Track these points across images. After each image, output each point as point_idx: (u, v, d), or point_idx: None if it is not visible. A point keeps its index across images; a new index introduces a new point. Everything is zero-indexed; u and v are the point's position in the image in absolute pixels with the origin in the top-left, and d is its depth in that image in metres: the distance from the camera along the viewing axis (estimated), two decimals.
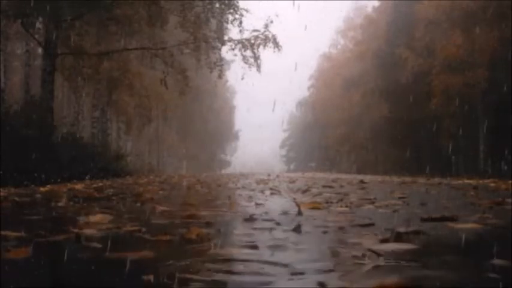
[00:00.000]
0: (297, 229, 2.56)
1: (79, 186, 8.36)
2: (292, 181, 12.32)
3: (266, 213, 3.59)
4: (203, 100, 42.49)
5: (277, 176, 18.24)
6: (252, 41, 18.73)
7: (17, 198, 4.97)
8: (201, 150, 50.99)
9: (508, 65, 20.80)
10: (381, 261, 1.73)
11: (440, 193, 6.76)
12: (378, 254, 1.82)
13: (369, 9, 43.10)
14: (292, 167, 77.01)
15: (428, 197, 5.69)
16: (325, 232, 2.54)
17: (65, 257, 1.90)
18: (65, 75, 18.14)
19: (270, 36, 18.75)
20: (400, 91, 30.31)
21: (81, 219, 2.96)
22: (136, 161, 31.23)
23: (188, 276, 1.48)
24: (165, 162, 42.75)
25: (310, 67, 63.04)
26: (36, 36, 16.09)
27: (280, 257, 1.82)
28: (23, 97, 19.72)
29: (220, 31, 19.56)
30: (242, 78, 20.47)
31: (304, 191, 6.99)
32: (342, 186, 8.63)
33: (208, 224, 2.84)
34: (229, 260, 1.75)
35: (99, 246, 2.04)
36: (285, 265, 1.64)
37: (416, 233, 2.36)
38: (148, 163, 35.04)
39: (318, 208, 3.97)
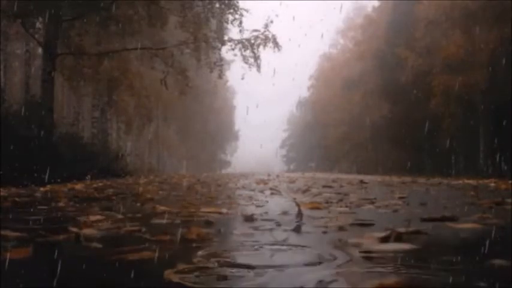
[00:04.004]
0: (297, 229, 2.56)
1: (79, 186, 8.36)
2: (292, 181, 12.32)
3: (266, 213, 3.59)
4: (203, 100, 42.44)
5: (277, 176, 18.24)
6: (252, 41, 18.71)
7: (17, 198, 4.97)
8: (201, 150, 50.95)
9: (508, 65, 20.78)
10: (381, 262, 1.73)
11: (440, 193, 6.76)
12: (378, 254, 1.82)
13: (369, 9, 43.13)
14: (292, 167, 76.97)
15: (428, 197, 5.69)
16: (325, 232, 2.54)
17: (65, 257, 1.90)
18: (65, 75, 18.11)
19: (270, 36, 18.74)
20: (400, 91, 30.28)
21: (81, 219, 2.96)
22: (136, 161, 31.22)
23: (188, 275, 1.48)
24: (165, 162, 42.72)
25: (310, 67, 63.05)
26: (36, 36, 16.06)
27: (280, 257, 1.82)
28: (23, 97, 19.70)
29: (220, 31, 19.53)
30: (242, 78, 20.47)
31: (304, 191, 6.99)
32: (341, 186, 8.63)
33: (208, 224, 2.84)
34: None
35: (99, 246, 2.04)
36: (285, 266, 1.64)
37: (416, 233, 2.36)
38: (148, 163, 35.03)
39: (318, 208, 3.97)
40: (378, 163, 37.23)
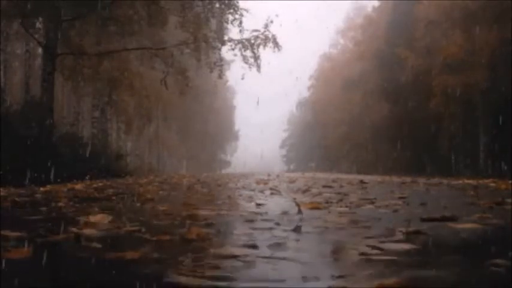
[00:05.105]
0: (297, 229, 2.56)
1: (79, 186, 8.36)
2: (292, 181, 12.32)
3: (266, 213, 3.59)
4: (203, 100, 42.41)
5: (277, 176, 18.23)
6: (252, 41, 18.70)
7: (17, 198, 4.97)
8: (201, 150, 50.92)
9: (508, 65, 20.77)
10: (381, 262, 1.73)
11: (440, 193, 6.76)
12: (378, 254, 1.82)
13: (369, 9, 43.12)
14: (292, 167, 76.95)
15: (428, 197, 5.69)
16: (324, 232, 2.54)
17: (65, 257, 1.90)
18: (65, 75, 18.10)
19: (270, 36, 18.71)
20: (400, 91, 30.28)
21: (81, 219, 2.96)
22: (136, 161, 31.21)
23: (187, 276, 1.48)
24: (165, 162, 42.69)
25: (311, 67, 62.99)
26: (36, 36, 16.05)
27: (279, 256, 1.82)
28: (23, 97, 19.69)
29: (220, 31, 19.51)
30: (242, 78, 20.46)
31: (304, 191, 6.99)
32: (341, 186, 8.63)
33: (208, 224, 2.84)
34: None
35: (99, 246, 2.04)
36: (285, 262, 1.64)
37: (416, 233, 2.36)
38: (148, 163, 35.00)
39: (318, 208, 3.97)
40: (378, 163, 37.23)
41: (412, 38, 28.17)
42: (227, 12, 18.84)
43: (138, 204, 4.47)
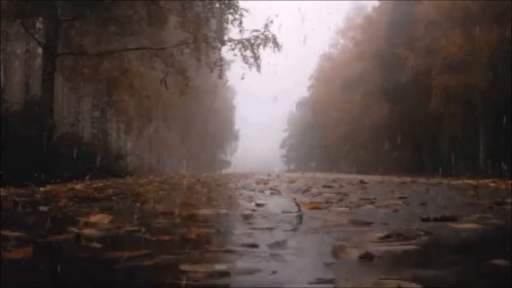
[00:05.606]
0: (297, 229, 2.56)
1: (79, 186, 8.36)
2: (292, 181, 12.32)
3: (266, 213, 3.59)
4: (203, 100, 42.39)
5: (277, 176, 18.24)
6: (252, 41, 18.69)
7: (17, 198, 4.97)
8: (201, 150, 50.91)
9: (508, 65, 20.77)
10: (381, 261, 1.73)
11: (440, 193, 6.76)
12: (378, 255, 1.82)
13: (369, 9, 43.13)
14: (292, 167, 76.95)
15: (428, 197, 5.69)
16: (324, 232, 2.54)
17: (65, 257, 1.90)
18: (65, 75, 18.09)
19: (270, 36, 18.70)
20: (400, 91, 30.27)
21: (81, 219, 2.96)
22: (136, 161, 31.21)
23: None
24: (165, 162, 42.70)
25: (311, 67, 62.96)
26: (36, 36, 16.05)
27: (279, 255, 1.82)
28: (23, 97, 19.70)
29: (220, 31, 19.50)
30: (242, 78, 20.44)
31: (304, 191, 6.99)
32: (341, 186, 8.63)
33: (208, 224, 2.84)
34: None
35: (99, 246, 2.04)
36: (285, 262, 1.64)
37: (416, 232, 2.36)
38: (149, 163, 35.00)
39: (318, 208, 3.97)
40: (378, 163, 37.21)
41: (412, 38, 28.17)
42: (227, 12, 18.83)
43: (138, 204, 4.47)
